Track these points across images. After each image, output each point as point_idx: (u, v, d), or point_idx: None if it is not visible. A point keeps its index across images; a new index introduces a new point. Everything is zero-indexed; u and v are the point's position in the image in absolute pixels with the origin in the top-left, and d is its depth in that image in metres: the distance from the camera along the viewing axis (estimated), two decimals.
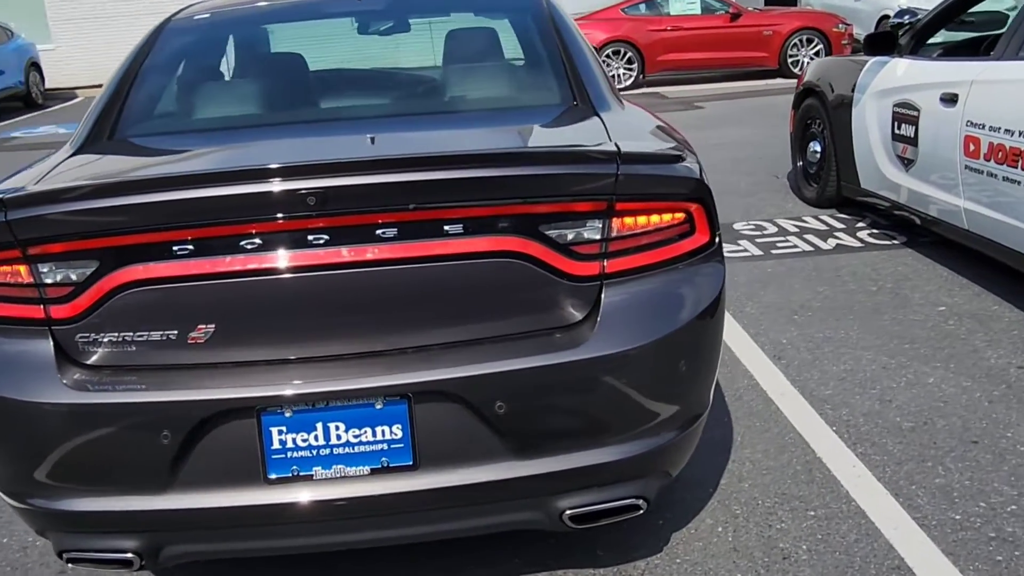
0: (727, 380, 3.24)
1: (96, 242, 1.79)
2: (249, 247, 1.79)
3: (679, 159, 2.00)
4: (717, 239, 2.06)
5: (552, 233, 1.86)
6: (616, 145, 1.91)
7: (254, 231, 1.78)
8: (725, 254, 2.12)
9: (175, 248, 1.78)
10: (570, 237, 1.88)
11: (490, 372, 1.81)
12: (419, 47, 3.64)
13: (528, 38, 2.85)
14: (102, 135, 2.41)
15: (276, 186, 1.75)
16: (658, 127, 2.37)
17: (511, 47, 2.90)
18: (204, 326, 1.82)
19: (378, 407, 1.81)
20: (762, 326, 3.72)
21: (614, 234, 1.90)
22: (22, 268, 1.81)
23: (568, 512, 1.93)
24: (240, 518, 1.84)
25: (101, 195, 1.81)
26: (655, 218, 1.95)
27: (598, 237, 1.89)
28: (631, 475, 1.96)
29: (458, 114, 2.61)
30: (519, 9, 2.99)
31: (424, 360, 1.83)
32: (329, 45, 3.32)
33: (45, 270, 1.82)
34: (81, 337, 1.83)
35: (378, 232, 1.80)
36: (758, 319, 3.80)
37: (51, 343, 1.83)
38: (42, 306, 1.83)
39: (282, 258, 1.80)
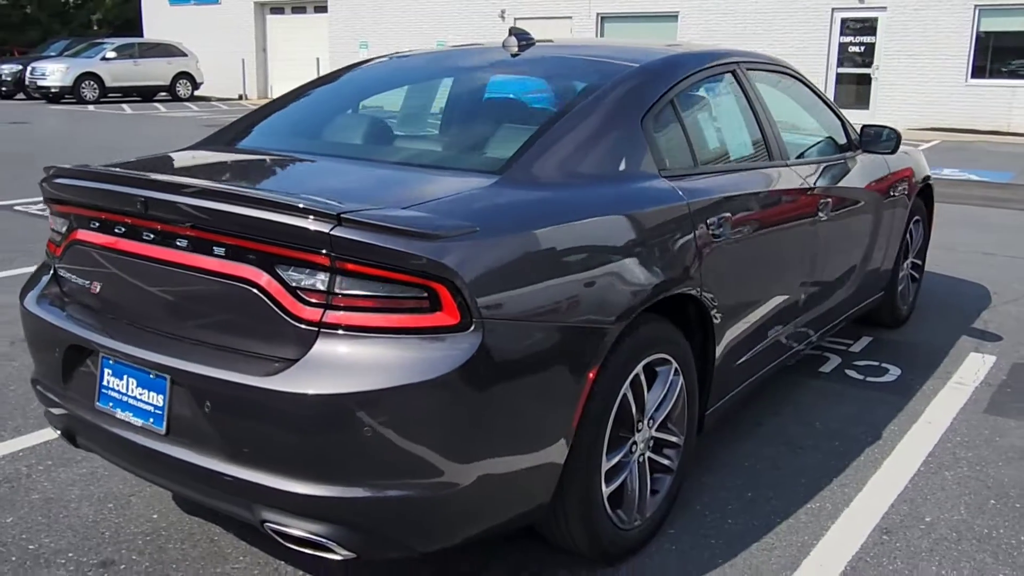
0: None
1: (67, 208, 2.55)
2: (117, 231, 2.38)
3: (425, 236, 2.01)
4: (474, 325, 2.03)
5: (285, 274, 2.08)
6: (340, 210, 2.03)
7: (119, 220, 2.37)
8: None
9: (91, 222, 2.46)
10: (300, 281, 2.07)
11: (208, 375, 2.13)
12: None
13: None
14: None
15: (124, 189, 2.31)
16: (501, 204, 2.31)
17: None
18: (96, 282, 2.48)
19: (152, 377, 2.26)
20: None
21: (338, 289, 2.04)
22: (54, 219, 2.66)
23: (266, 523, 2.15)
24: (83, 426, 2.47)
25: (72, 176, 2.54)
26: (387, 286, 2.02)
27: (323, 288, 2.05)
28: (317, 515, 2.08)
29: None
30: None
31: (182, 350, 2.22)
32: None
33: (56, 225, 2.64)
34: (60, 270, 2.63)
35: (175, 240, 2.24)
36: None
37: (52, 273, 2.67)
38: (50, 246, 2.67)
39: (131, 244, 2.35)
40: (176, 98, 25.42)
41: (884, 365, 4.46)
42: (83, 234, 2.50)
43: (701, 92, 3.23)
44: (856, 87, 18.53)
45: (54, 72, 23.47)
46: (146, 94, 25.17)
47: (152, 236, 2.30)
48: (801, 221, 3.46)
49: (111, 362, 2.36)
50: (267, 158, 2.92)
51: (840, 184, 3.87)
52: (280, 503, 2.10)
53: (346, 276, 2.03)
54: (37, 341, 2.61)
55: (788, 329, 3.55)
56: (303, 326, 2.07)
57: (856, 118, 16.53)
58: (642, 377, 2.60)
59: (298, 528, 2.11)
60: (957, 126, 17.30)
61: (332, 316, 2.05)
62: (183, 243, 2.23)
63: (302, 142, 3.04)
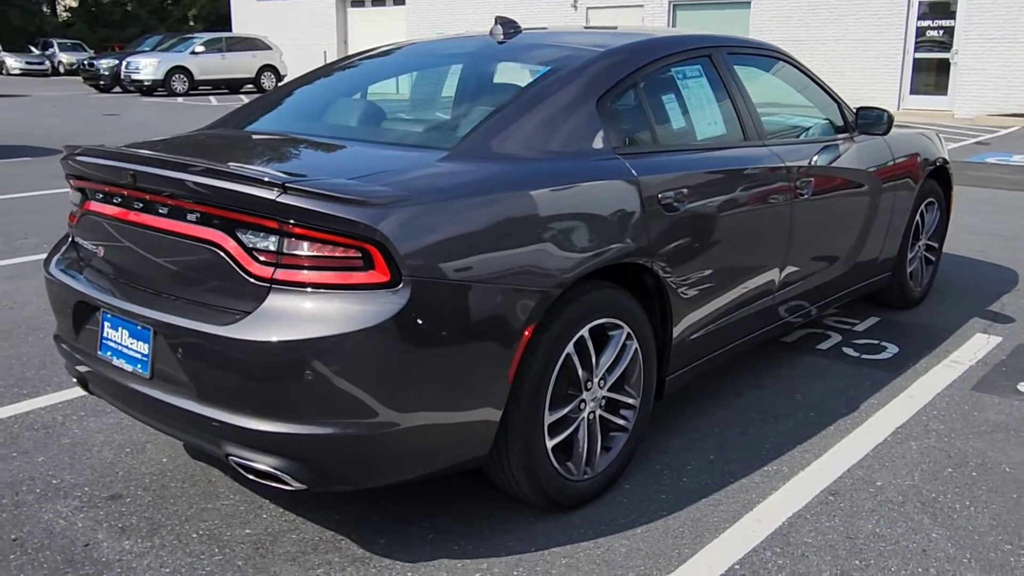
0: None
1: (81, 182, 2.91)
2: (115, 200, 2.71)
3: (357, 203, 2.28)
4: (403, 283, 2.29)
5: (243, 237, 2.38)
6: (287, 179, 2.30)
7: (117, 192, 2.70)
8: None
9: (97, 194, 2.80)
10: (256, 243, 2.37)
11: (180, 325, 2.44)
12: None
13: None
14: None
15: (119, 164, 2.64)
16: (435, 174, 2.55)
17: None
18: (100, 246, 2.82)
19: (139, 328, 2.59)
20: None
21: (286, 250, 2.32)
22: (73, 193, 3.02)
23: (229, 456, 2.46)
24: (91, 374, 2.82)
25: (83, 153, 2.89)
26: (327, 247, 2.30)
27: (274, 249, 2.34)
28: (270, 450, 2.38)
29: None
30: None
31: (163, 304, 2.54)
32: None
33: (73, 198, 3.00)
34: (75, 237, 2.99)
35: (158, 208, 2.56)
36: None
37: (69, 241, 3.03)
38: (70, 217, 3.03)
39: (125, 212, 2.68)
40: (261, 90, 26.34)
41: (884, 343, 4.54)
42: (92, 205, 2.85)
43: (668, 76, 3.40)
44: (935, 73, 18.06)
45: (146, 66, 24.63)
46: (233, 86, 26.17)
47: (141, 205, 2.63)
48: (777, 200, 3.60)
49: (109, 316, 2.70)
50: (256, 137, 3.23)
51: (827, 165, 3.98)
52: (239, 438, 2.40)
53: (292, 238, 2.31)
54: (55, 300, 2.98)
55: (764, 304, 3.69)
56: (257, 282, 2.36)
57: (934, 105, 16.16)
58: (587, 339, 2.81)
59: (255, 461, 2.41)
60: None
61: (281, 274, 2.33)
62: (164, 211, 2.55)
63: (292, 123, 3.35)
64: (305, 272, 2.32)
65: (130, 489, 3.07)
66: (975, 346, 4.49)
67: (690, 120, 3.40)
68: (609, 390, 2.98)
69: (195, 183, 2.43)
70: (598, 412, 2.95)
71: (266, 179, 2.31)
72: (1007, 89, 17.15)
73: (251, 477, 2.50)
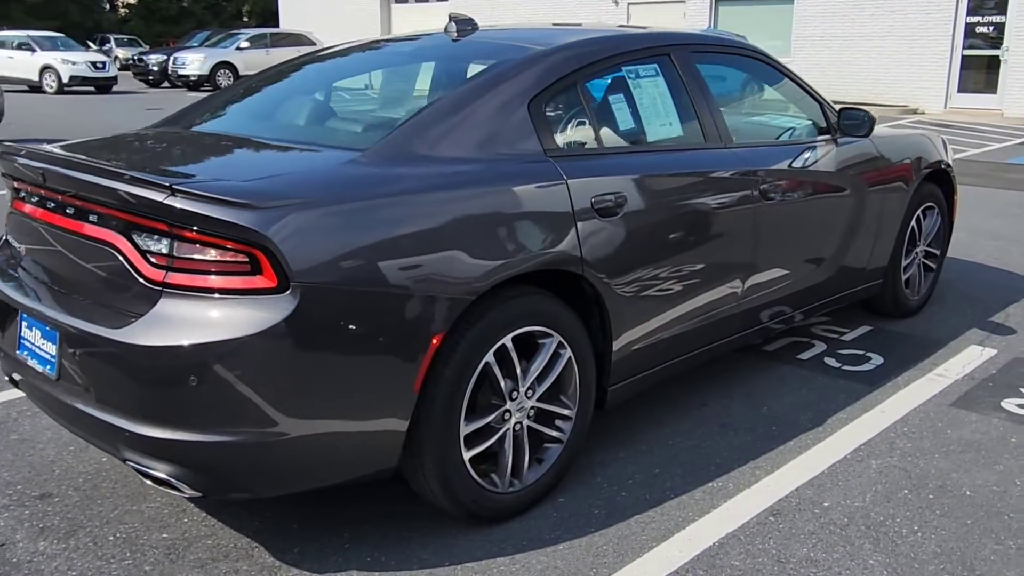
0: None
1: (10, 180, 2.90)
2: (34, 200, 2.70)
3: (244, 206, 2.22)
4: (291, 289, 2.22)
5: (139, 239, 2.34)
6: (175, 180, 2.25)
7: (34, 191, 2.68)
8: None
9: (20, 193, 2.79)
10: (149, 246, 2.32)
11: (79, 327, 2.41)
12: None
13: None
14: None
15: (34, 163, 2.62)
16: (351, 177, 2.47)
17: None
18: (23, 245, 2.81)
19: (48, 329, 2.57)
20: None
21: (176, 253, 2.28)
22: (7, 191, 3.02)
23: (127, 462, 2.42)
24: (15, 372, 2.81)
25: (9, 151, 2.88)
26: (216, 250, 2.25)
27: (166, 252, 2.29)
28: (163, 456, 2.33)
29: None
30: None
31: (69, 305, 2.52)
32: None
33: (8, 196, 3.00)
34: (7, 235, 2.99)
35: (66, 209, 2.53)
36: None
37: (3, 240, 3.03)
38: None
39: (40, 212, 2.66)
40: None
41: (869, 354, 4.36)
42: (16, 203, 2.84)
43: (618, 76, 3.28)
44: (984, 71, 17.47)
45: (193, 61, 25.03)
46: None
47: (53, 205, 2.61)
48: (738, 205, 3.46)
49: (25, 316, 2.69)
50: (186, 136, 3.19)
51: (802, 168, 3.83)
52: (134, 444, 2.36)
53: (183, 241, 2.27)
54: None
55: (726, 312, 3.56)
56: (150, 285, 2.32)
57: (983, 104, 15.69)
58: (511, 348, 2.72)
59: (151, 468, 2.37)
60: None
61: (172, 277, 2.29)
62: (71, 211, 2.53)
63: (235, 122, 3.31)
64: (195, 276, 2.27)
65: (61, 488, 3.06)
66: (966, 359, 4.29)
67: (640, 121, 3.28)
68: (541, 400, 2.88)
69: (93, 184, 2.40)
70: (526, 423, 2.86)
71: (155, 181, 2.26)
72: None
73: (148, 482, 2.46)
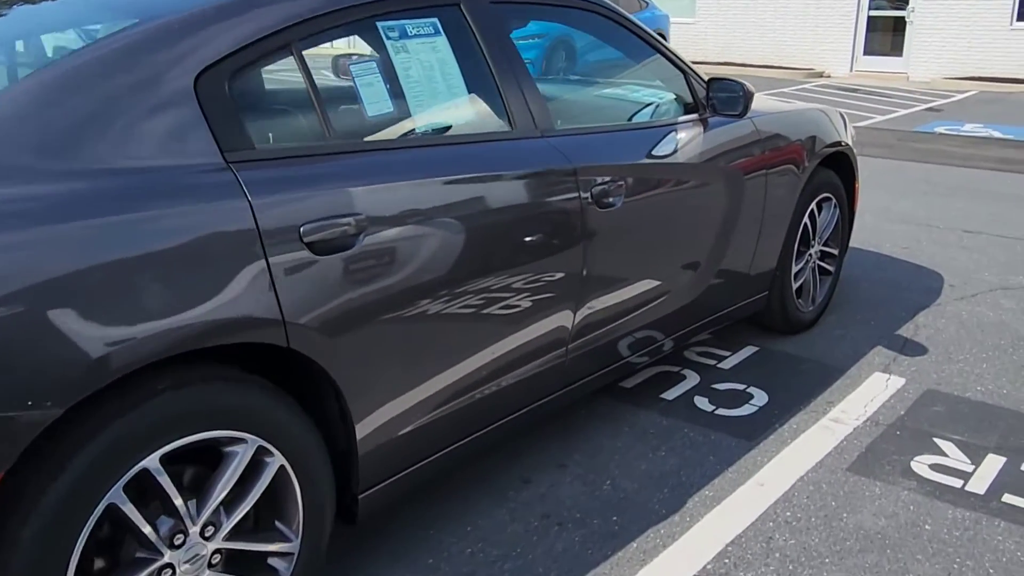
0: None
1: None
2: None
3: None
4: None
5: None
6: None
7: None
8: None
9: None
10: None
11: None
12: None
13: None
14: None
15: None
16: None
17: None
18: None
19: None
20: None
21: None
22: None
23: None
24: None
25: None
26: None
27: None
28: None
29: None
30: None
31: None
32: None
33: None
34: None
35: None
36: None
37: None
38: None
39: None
40: None
41: (750, 390, 3.46)
42: None
43: (365, 36, 2.24)
44: (890, 33, 16.91)
45: None
46: None
47: None
48: (554, 215, 2.47)
49: None
50: None
51: (655, 159, 2.86)
52: None
53: None
54: None
55: (550, 362, 2.59)
56: None
57: (888, 67, 15.03)
58: (160, 473, 1.70)
59: None
60: (1000, 75, 15.64)
61: None
62: None
63: None
64: None
65: None
66: (868, 393, 3.43)
67: (405, 103, 2.25)
68: (231, 539, 1.87)
69: None
70: (206, 573, 1.84)
71: None
72: (966, 50, 16.04)
73: None
